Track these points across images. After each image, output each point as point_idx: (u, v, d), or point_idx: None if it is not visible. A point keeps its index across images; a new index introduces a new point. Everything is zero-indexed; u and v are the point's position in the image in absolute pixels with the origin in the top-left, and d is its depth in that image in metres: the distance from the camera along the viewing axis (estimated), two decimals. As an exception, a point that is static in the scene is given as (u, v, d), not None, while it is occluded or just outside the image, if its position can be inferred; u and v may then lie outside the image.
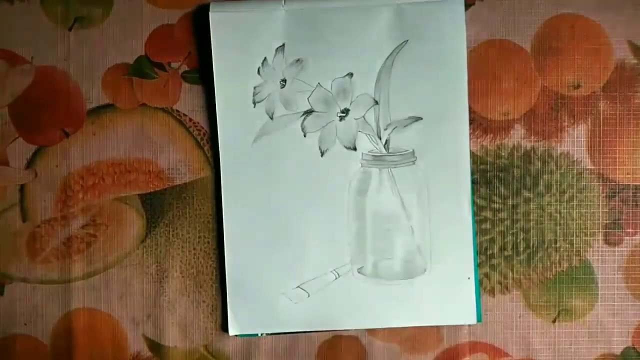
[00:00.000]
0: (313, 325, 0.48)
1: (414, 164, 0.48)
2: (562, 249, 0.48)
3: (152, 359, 0.49)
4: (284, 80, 0.48)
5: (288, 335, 0.49)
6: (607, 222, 0.48)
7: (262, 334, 0.49)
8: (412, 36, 0.47)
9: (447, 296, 0.48)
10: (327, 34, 0.48)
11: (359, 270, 0.48)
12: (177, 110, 0.49)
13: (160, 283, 0.49)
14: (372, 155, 0.48)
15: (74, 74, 0.49)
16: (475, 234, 0.48)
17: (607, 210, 0.48)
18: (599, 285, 0.48)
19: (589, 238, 0.48)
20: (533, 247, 0.48)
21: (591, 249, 0.48)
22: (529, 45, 0.48)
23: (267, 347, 0.49)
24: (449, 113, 0.48)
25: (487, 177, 0.48)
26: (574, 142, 0.48)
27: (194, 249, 0.49)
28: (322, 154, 0.48)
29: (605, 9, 0.48)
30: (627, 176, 0.48)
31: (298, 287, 0.48)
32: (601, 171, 0.48)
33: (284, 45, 0.48)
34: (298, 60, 0.48)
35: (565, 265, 0.48)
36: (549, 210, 0.48)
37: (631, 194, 0.48)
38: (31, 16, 0.49)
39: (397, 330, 0.49)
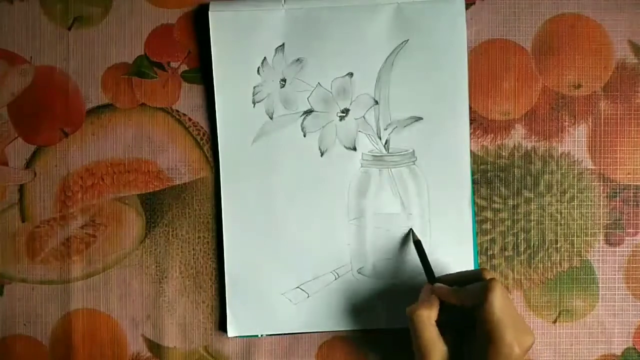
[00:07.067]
0: (313, 326, 0.48)
1: (414, 164, 0.48)
2: (562, 249, 0.48)
3: (151, 359, 0.49)
4: (284, 80, 0.48)
5: (288, 335, 0.49)
6: (608, 222, 0.48)
7: (261, 335, 0.49)
8: (412, 36, 0.47)
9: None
10: (327, 33, 0.48)
11: (359, 270, 0.48)
12: (177, 110, 0.49)
13: (160, 283, 0.49)
14: (372, 156, 0.48)
15: (73, 74, 0.49)
16: (475, 234, 0.48)
17: (608, 211, 0.48)
18: (600, 285, 0.48)
19: (589, 238, 0.48)
20: (534, 248, 0.48)
21: (592, 249, 0.48)
22: (530, 45, 0.48)
23: (267, 347, 0.49)
24: (449, 113, 0.48)
25: (487, 177, 0.48)
26: (575, 142, 0.48)
27: (193, 249, 0.49)
28: (322, 154, 0.48)
29: (606, 9, 0.48)
30: (627, 176, 0.48)
31: (298, 287, 0.48)
32: (602, 171, 0.48)
33: (283, 45, 0.48)
34: (298, 60, 0.48)
35: (566, 266, 0.48)
36: (549, 211, 0.48)
37: (632, 194, 0.48)
38: (31, 16, 0.49)
39: (397, 331, 0.48)
